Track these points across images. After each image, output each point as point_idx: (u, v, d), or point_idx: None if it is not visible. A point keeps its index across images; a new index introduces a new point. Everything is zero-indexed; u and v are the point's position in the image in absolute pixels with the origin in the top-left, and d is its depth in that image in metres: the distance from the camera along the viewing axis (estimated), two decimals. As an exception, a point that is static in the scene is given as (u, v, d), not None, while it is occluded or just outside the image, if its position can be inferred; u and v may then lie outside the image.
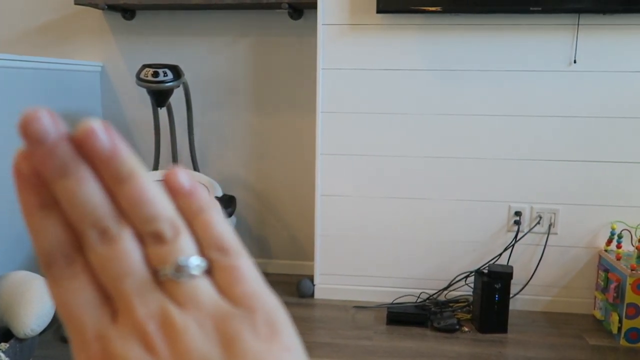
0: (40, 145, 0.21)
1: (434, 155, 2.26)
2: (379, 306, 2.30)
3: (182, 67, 2.59)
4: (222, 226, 0.24)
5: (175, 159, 2.52)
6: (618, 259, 2.09)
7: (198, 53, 2.59)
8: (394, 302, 2.33)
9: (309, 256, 2.66)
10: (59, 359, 1.84)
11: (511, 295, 2.29)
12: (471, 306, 2.23)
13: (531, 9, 2.04)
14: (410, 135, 2.26)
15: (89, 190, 0.22)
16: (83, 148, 0.22)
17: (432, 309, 2.22)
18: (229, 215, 2.17)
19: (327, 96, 2.27)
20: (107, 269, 0.22)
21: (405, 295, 2.35)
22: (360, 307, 2.31)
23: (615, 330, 2.06)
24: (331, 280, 2.39)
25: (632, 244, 2.15)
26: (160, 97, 2.27)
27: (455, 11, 2.08)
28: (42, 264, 0.22)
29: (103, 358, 0.21)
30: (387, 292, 2.36)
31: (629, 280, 1.98)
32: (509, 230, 2.28)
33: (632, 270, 1.98)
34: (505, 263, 2.27)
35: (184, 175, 0.24)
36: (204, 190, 0.24)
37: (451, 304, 2.27)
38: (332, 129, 2.29)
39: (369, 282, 2.37)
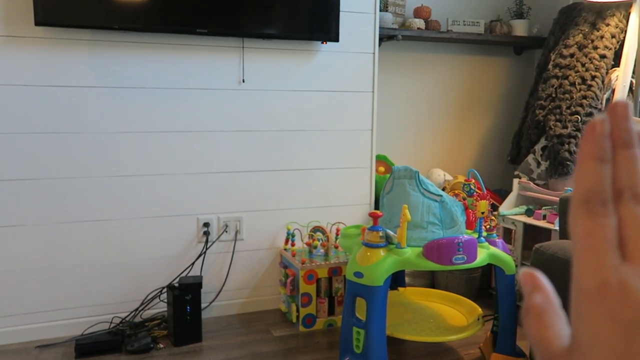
0: (623, 122, 0.28)
1: (115, 175, 2.20)
2: (68, 340, 2.13)
3: None
4: None
5: None
6: (293, 255, 2.36)
7: None
8: (85, 332, 2.18)
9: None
10: None
11: (206, 304, 2.38)
12: (167, 322, 2.24)
13: (198, 30, 2.16)
14: (87, 155, 2.16)
15: (638, 164, 0.28)
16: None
17: (127, 332, 2.16)
18: None
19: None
20: (634, 224, 0.27)
21: (99, 323, 2.23)
22: (45, 345, 2.10)
23: (295, 319, 2.32)
24: (10, 322, 2.12)
25: (302, 240, 2.46)
26: None
27: (122, 28, 2.07)
28: (579, 199, 0.28)
29: (619, 285, 0.26)
30: (77, 324, 2.20)
31: (301, 273, 2.26)
32: (199, 242, 2.36)
33: (302, 264, 2.26)
34: (199, 273, 2.35)
35: None
36: None
37: (147, 323, 2.24)
38: (-6, 152, 2.04)
39: (55, 316, 2.18)
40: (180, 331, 2.13)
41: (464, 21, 2.88)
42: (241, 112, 2.36)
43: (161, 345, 2.12)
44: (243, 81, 2.34)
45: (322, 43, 2.42)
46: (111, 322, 2.24)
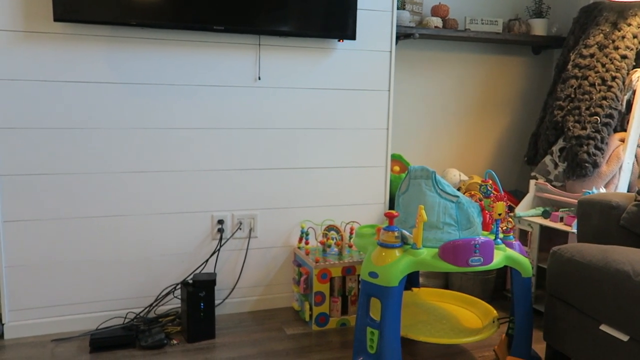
0: None
1: (131, 171, 2.21)
2: (83, 335, 2.15)
3: None
4: None
5: None
6: (307, 253, 2.35)
7: None
8: (99, 327, 2.20)
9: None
10: None
11: (220, 301, 2.39)
12: (180, 318, 2.25)
13: (215, 27, 2.16)
14: (104, 151, 2.17)
15: None
16: None
17: (141, 327, 2.17)
18: None
19: (2, 110, 2.03)
20: None
21: (113, 318, 2.24)
22: (61, 339, 2.12)
23: (307, 318, 2.32)
24: (26, 316, 2.14)
25: (315, 239, 2.45)
26: None
27: (139, 25, 2.07)
28: None
29: None
30: (92, 319, 2.22)
31: (315, 272, 2.25)
32: (213, 239, 2.37)
33: (316, 262, 2.25)
34: (212, 270, 2.35)
35: None
36: None
37: (161, 319, 2.25)
38: (11, 146, 2.05)
39: (70, 310, 2.19)
40: (194, 327, 2.14)
41: (482, 20, 2.85)
42: (257, 110, 2.35)
43: (175, 341, 2.13)
44: (259, 78, 2.33)
45: (339, 41, 2.41)
46: (125, 318, 2.25)
